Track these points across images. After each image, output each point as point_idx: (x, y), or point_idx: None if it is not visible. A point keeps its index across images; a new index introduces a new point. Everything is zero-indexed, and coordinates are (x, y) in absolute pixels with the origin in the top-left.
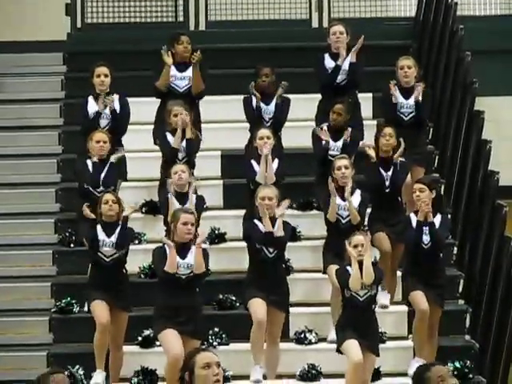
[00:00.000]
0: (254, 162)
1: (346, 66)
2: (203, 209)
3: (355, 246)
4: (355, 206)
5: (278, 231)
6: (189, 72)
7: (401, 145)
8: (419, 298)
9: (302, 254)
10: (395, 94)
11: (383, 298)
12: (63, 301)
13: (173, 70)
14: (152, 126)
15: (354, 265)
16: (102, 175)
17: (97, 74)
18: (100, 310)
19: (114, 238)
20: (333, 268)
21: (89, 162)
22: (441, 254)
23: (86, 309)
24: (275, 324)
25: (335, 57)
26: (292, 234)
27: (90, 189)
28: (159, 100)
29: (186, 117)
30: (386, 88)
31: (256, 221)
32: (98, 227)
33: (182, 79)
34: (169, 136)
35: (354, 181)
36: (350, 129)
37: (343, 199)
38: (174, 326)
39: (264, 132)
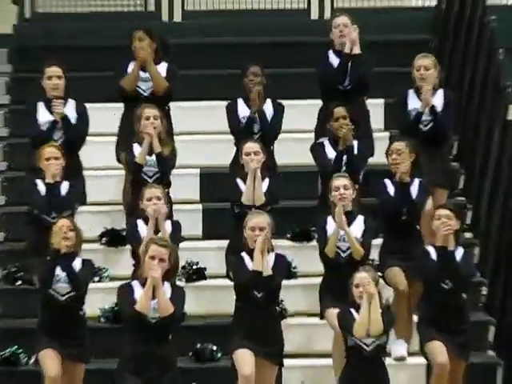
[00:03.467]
0: (240, 182)
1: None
2: (180, 238)
3: (357, 286)
4: (358, 235)
5: (268, 269)
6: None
7: (418, 161)
8: (437, 348)
9: (297, 294)
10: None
11: (399, 347)
12: (7, 350)
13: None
14: (113, 138)
15: (363, 308)
16: (57, 200)
17: (48, 75)
18: (50, 360)
19: (70, 273)
20: (332, 312)
21: (39, 183)
22: (464, 295)
23: (32, 361)
24: (266, 380)
25: (341, 55)
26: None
27: (41, 215)
28: (123, 106)
29: (155, 126)
30: (400, 92)
31: (244, 254)
32: (51, 261)
33: (146, 80)
34: (136, 148)
35: (356, 204)
36: (355, 142)
37: (343, 228)
38: (142, 381)
39: (251, 146)
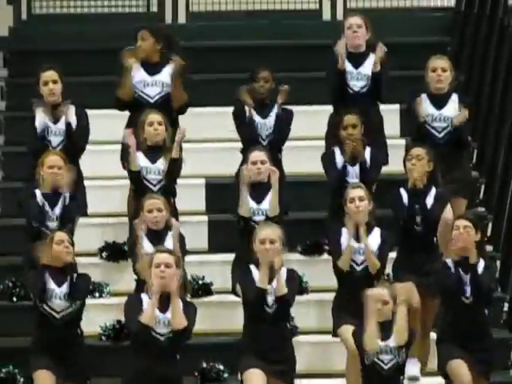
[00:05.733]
0: (245, 192)
1: (366, 69)
2: (185, 251)
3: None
4: (374, 249)
5: (281, 288)
6: (162, 76)
7: (436, 172)
8: (460, 368)
9: (308, 310)
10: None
11: (412, 367)
12: (3, 370)
13: (141, 74)
14: (118, 146)
15: (371, 320)
16: (57, 210)
17: (44, 80)
18: (44, 382)
19: (65, 288)
20: (346, 329)
21: (38, 193)
22: (486, 311)
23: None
24: None
25: (353, 58)
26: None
27: (41, 227)
28: (126, 113)
29: (159, 133)
30: (412, 97)
31: (253, 267)
32: (46, 275)
33: (153, 85)
34: (140, 157)
35: (372, 216)
36: (368, 149)
37: (358, 240)
38: None
39: (258, 155)
